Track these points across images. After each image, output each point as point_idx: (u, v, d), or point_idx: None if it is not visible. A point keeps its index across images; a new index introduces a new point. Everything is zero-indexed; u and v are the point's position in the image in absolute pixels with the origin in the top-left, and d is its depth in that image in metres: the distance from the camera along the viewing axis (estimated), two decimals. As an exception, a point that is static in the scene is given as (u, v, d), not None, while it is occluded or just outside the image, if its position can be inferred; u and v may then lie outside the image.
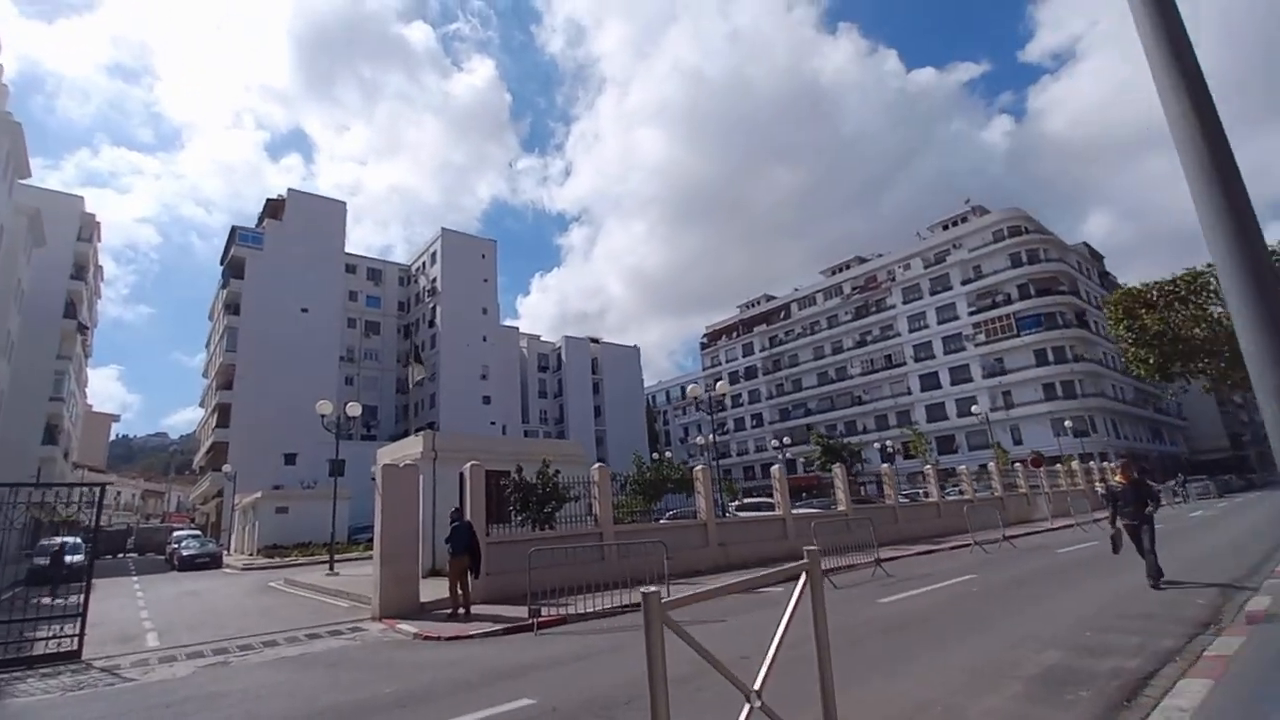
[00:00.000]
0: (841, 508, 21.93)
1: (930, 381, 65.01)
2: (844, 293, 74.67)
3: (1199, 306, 6.76)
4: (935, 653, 6.31)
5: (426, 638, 9.08)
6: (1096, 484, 37.31)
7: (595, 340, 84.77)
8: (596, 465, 15.06)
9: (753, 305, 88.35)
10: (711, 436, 27.01)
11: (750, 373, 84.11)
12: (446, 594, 10.67)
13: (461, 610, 10.46)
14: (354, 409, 20.51)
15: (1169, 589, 8.75)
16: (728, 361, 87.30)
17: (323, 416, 19.75)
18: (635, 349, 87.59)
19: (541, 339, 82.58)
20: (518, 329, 78.31)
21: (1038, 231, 61.17)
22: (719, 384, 23.51)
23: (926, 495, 27.90)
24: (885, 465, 24.91)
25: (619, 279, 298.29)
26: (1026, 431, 56.35)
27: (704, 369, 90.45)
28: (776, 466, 19.98)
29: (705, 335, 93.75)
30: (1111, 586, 9.44)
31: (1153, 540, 9.09)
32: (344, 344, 61.45)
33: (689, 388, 24.27)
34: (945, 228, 67.97)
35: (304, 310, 55.37)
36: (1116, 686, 4.86)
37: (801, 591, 3.41)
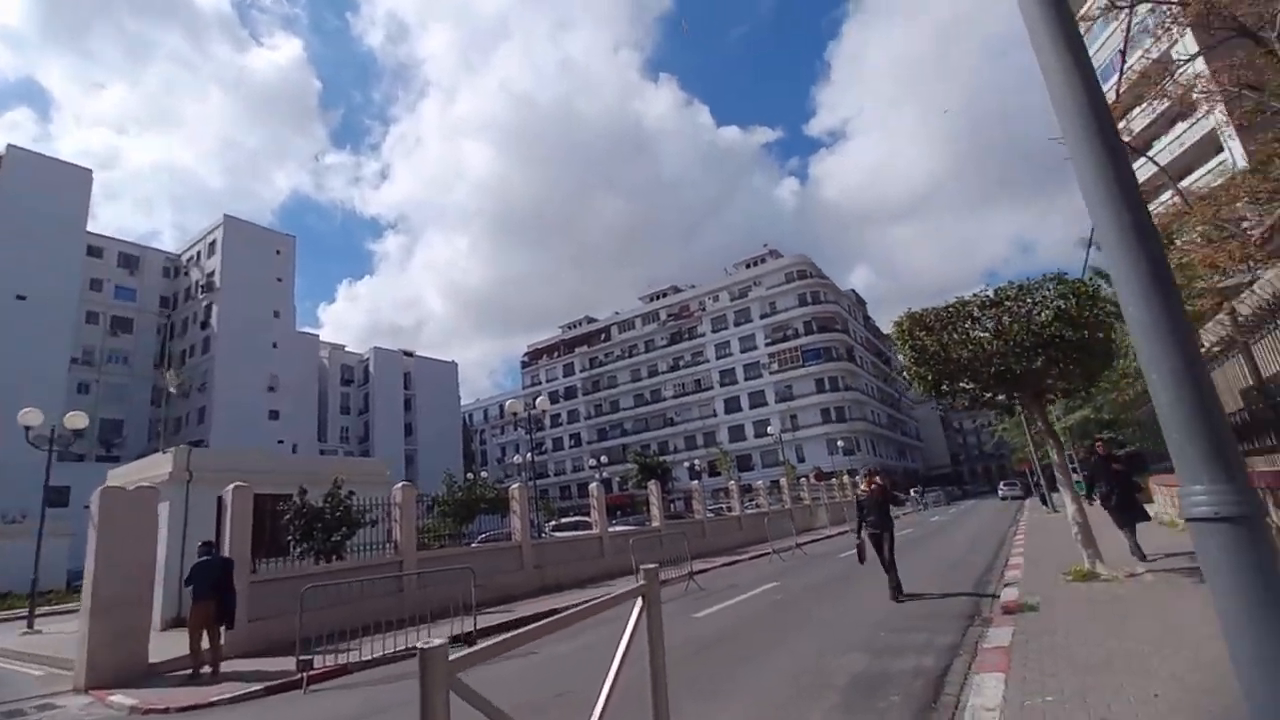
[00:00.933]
0: (656, 524, 22.15)
1: (733, 405, 70.10)
2: (660, 319, 78.09)
3: (964, 331, 7.70)
4: (752, 668, 6.09)
5: (149, 711, 6.95)
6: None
7: (409, 354, 78.55)
8: (400, 485, 13.33)
9: (575, 326, 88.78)
10: (530, 455, 25.96)
11: (570, 393, 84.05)
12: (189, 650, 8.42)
13: (206, 669, 8.30)
14: (77, 420, 16.04)
15: (909, 601, 9.67)
16: (548, 381, 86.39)
17: (27, 429, 15.17)
18: (453, 365, 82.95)
19: (347, 349, 74.60)
20: (318, 337, 70.01)
21: (819, 276, 69.56)
22: (538, 400, 22.63)
23: (730, 510, 29.52)
24: (695, 483, 25.82)
25: (439, 293, 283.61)
26: (808, 450, 62.90)
27: (524, 387, 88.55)
28: (595, 485, 19.57)
29: (526, 354, 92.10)
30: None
31: (892, 550, 9.00)
32: (80, 342, 49.74)
33: (508, 403, 23.04)
34: (748, 266, 74.44)
35: (20, 298, 43.91)
36: (921, 686, 4.93)
37: (639, 618, 2.78)
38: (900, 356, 8.62)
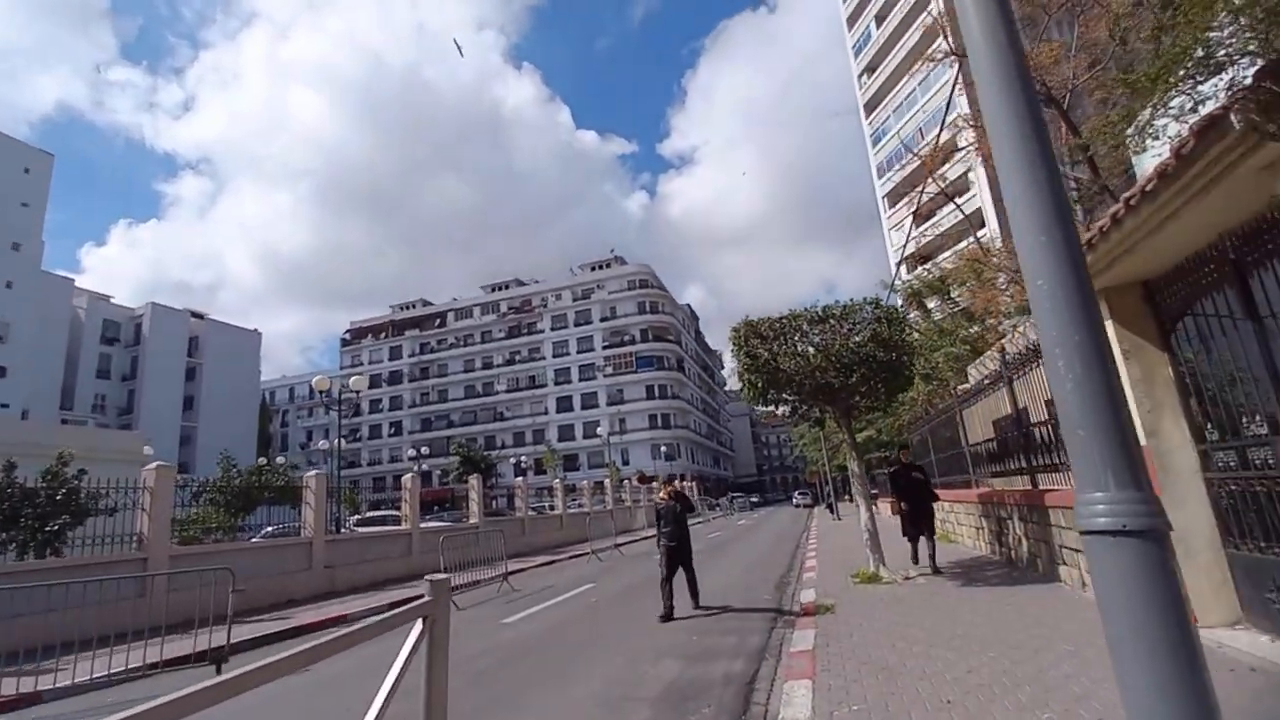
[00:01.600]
0: (474, 520, 20.92)
1: (565, 404, 69.77)
2: (500, 311, 75.55)
3: (793, 344, 8.06)
4: (561, 680, 5.57)
5: None
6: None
7: (199, 315, 67.23)
8: (153, 465, 10.88)
9: (408, 308, 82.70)
10: (338, 440, 23.15)
11: (395, 377, 78.00)
12: None
13: None
14: None
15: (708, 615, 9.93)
16: (371, 363, 79.32)
17: None
18: (255, 334, 72.66)
19: (114, 302, 61.99)
20: (73, 282, 57.20)
21: (659, 287, 72.06)
22: (353, 379, 20.27)
23: (552, 508, 29.01)
24: (519, 479, 24.90)
25: (247, 253, 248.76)
26: (634, 454, 64.53)
27: (342, 367, 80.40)
28: (409, 476, 17.88)
29: (349, 331, 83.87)
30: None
31: (691, 564, 8.38)
32: None
33: (315, 379, 20.34)
34: (593, 269, 74.86)
35: None
36: (732, 694, 4.75)
37: (416, 644, 2.10)
38: (733, 361, 8.74)
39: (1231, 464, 4.54)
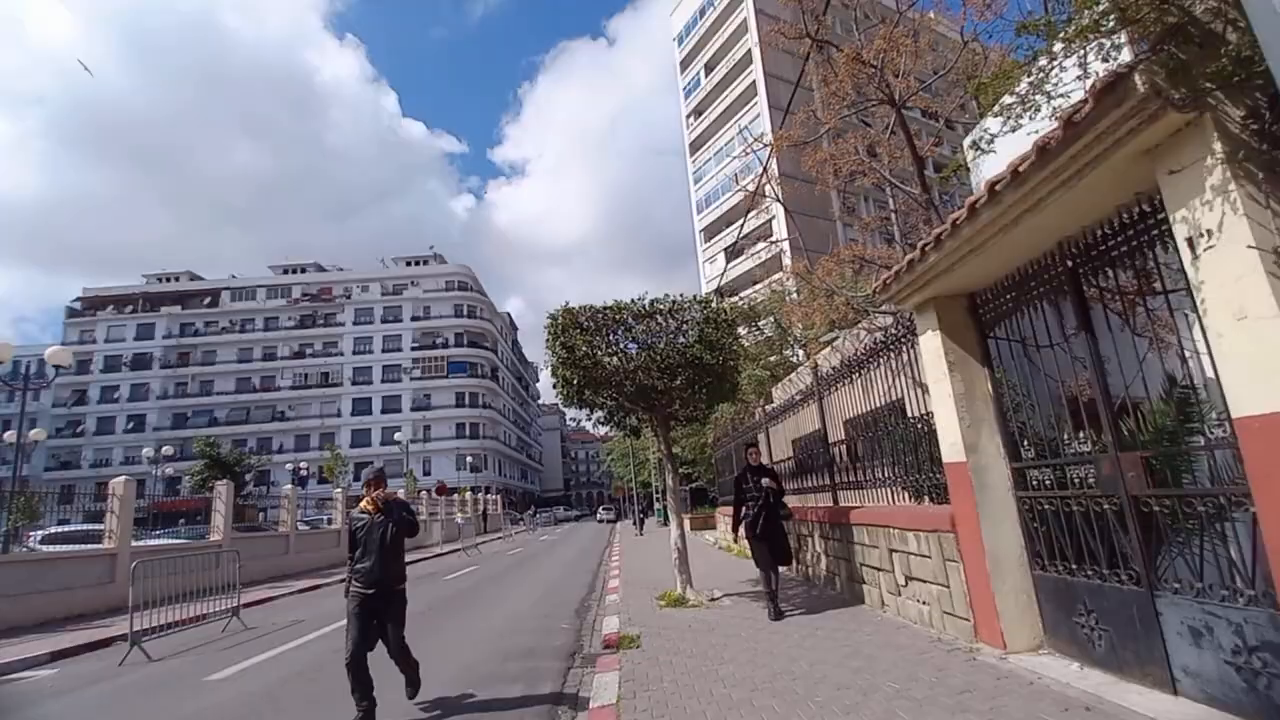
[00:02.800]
0: (216, 536, 16.86)
1: (363, 406, 62.70)
2: (293, 296, 66.01)
3: (615, 338, 7.17)
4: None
5: None
6: (479, 512, 41.95)
7: None
8: None
9: (169, 280, 68.62)
10: (19, 433, 17.21)
11: (142, 361, 63.75)
12: None
13: None
14: None
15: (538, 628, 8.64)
16: (110, 341, 64.13)
17: None
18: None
19: None
20: None
21: (478, 291, 68.58)
22: (50, 351, 15.26)
23: (331, 522, 25.02)
24: (288, 487, 20.90)
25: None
26: (437, 463, 59.85)
27: (65, 342, 63.76)
28: (120, 480, 13.65)
29: (81, 300, 67.00)
30: (491, 618, 8.88)
31: (400, 630, 5.08)
32: None
33: (49, 351, 15.14)
34: (408, 263, 69.02)
35: None
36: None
37: None
38: (548, 354, 7.52)
39: (1047, 482, 4.40)
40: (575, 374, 7.14)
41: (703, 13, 53.83)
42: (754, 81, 48.11)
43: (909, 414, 6.35)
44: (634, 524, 26.57)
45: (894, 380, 6.67)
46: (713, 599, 8.20)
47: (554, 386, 7.63)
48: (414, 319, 64.44)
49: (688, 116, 56.43)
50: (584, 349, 7.10)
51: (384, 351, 63.87)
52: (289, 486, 20.99)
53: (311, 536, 22.09)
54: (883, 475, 7.12)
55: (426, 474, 58.35)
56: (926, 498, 5.84)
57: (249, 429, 61.85)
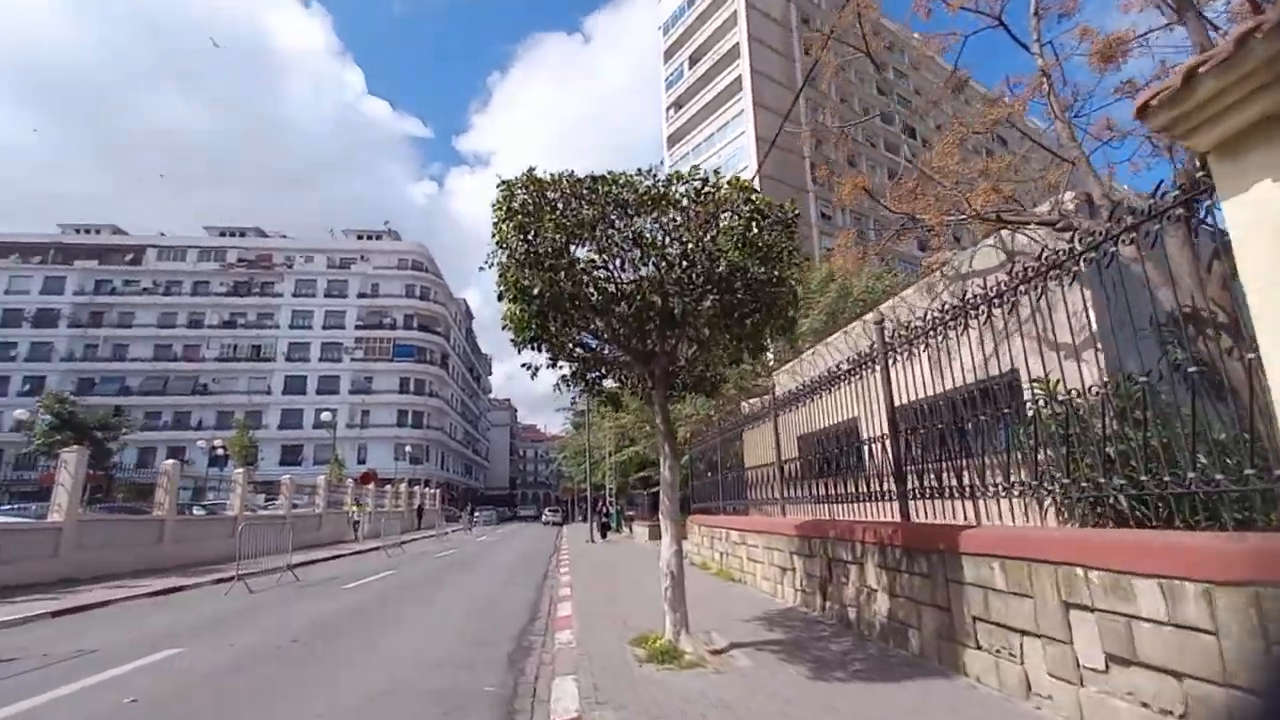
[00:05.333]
0: (57, 516, 13.21)
1: (296, 385, 57.56)
2: (227, 260, 60.33)
3: (607, 234, 4.42)
4: None
5: None
6: (413, 507, 38.18)
7: None
8: None
9: (88, 232, 61.86)
10: None
11: (47, 318, 56.85)
12: None
13: None
14: None
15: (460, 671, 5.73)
16: (11, 293, 57.00)
17: None
18: None
19: None
20: None
21: (434, 273, 64.37)
22: None
23: (227, 508, 21.27)
24: (169, 463, 17.12)
25: None
26: (372, 451, 55.37)
27: (-45, 291, 56.55)
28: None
29: (-22, 245, 59.52)
30: (374, 666, 5.91)
31: None
32: None
33: None
34: (360, 237, 64.36)
35: None
36: None
37: None
38: (493, 246, 4.65)
39: None
40: (538, 281, 4.34)
41: (691, 1, 51.75)
42: (739, 76, 46.23)
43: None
44: (593, 529, 23.52)
45: (1006, 340, 4.13)
46: (715, 649, 5.48)
47: (502, 302, 4.76)
48: (361, 296, 59.79)
49: (668, 109, 54.19)
50: (554, 241, 4.31)
51: (325, 328, 58.94)
52: (170, 462, 17.21)
53: (196, 524, 18.35)
54: (1000, 480, 4.58)
55: (361, 462, 53.69)
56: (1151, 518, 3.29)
57: (165, 400, 55.96)
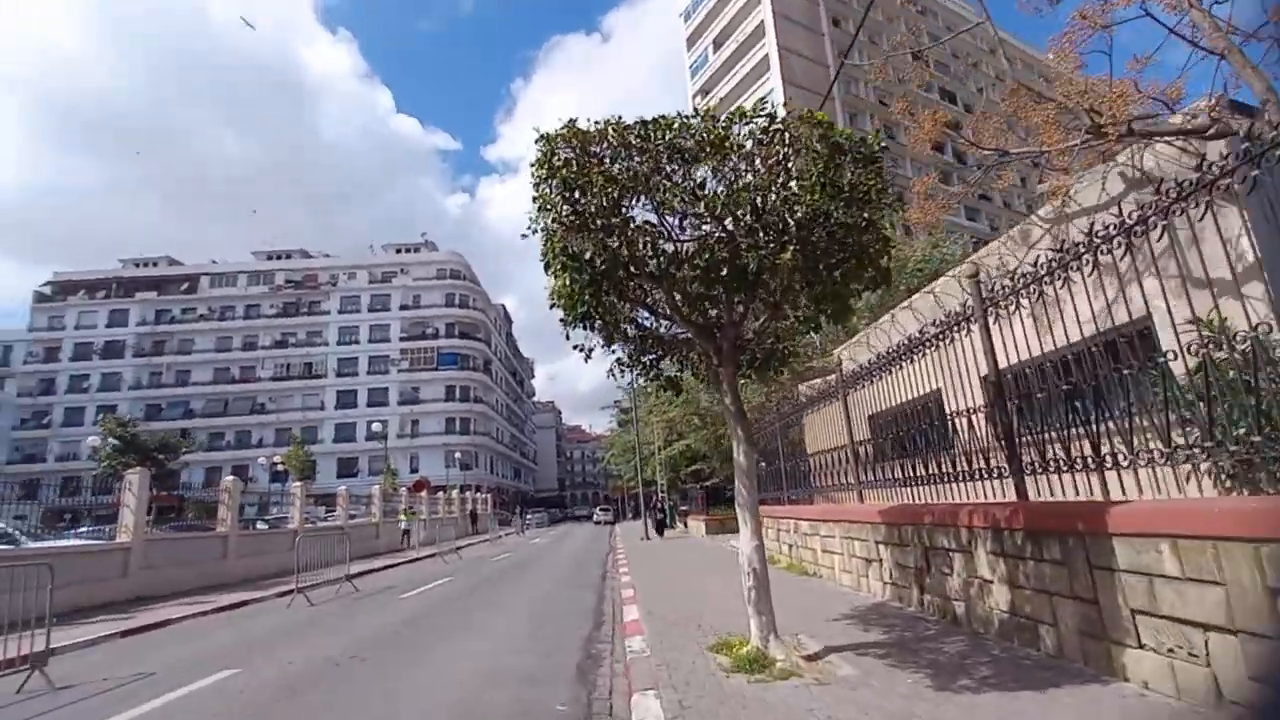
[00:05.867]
0: (124, 537, 13.48)
1: (348, 399, 59.08)
2: (276, 283, 62.31)
3: (667, 180, 3.81)
4: None
5: None
6: (466, 512, 38.51)
7: None
8: None
9: (146, 265, 64.89)
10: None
11: (114, 350, 59.92)
12: None
13: None
14: None
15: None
16: (81, 328, 60.32)
17: None
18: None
19: None
20: None
21: (472, 280, 65.03)
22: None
23: (288, 521, 21.67)
24: (229, 479, 17.43)
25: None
26: (424, 460, 56.29)
27: (32, 329, 60.14)
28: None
29: (51, 284, 63.20)
30: (439, 681, 5.50)
31: None
32: None
33: None
34: (398, 251, 65.55)
35: None
36: None
37: None
38: (535, 211, 4.11)
39: None
40: (588, 246, 3.78)
41: (711, -15, 50.68)
42: (766, 55, 44.95)
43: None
44: (649, 527, 23.01)
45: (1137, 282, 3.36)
46: (808, 655, 4.86)
47: (549, 275, 4.24)
48: (403, 308, 60.89)
49: (694, 96, 53.21)
50: (605, 198, 3.73)
51: (371, 342, 60.29)
52: (230, 479, 17.51)
53: (259, 538, 18.66)
54: (1156, 445, 3.81)
55: (414, 470, 54.67)
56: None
57: (226, 421, 58.20)
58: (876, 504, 7.34)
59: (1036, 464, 4.71)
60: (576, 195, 3.83)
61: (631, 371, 5.64)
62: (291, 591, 11.26)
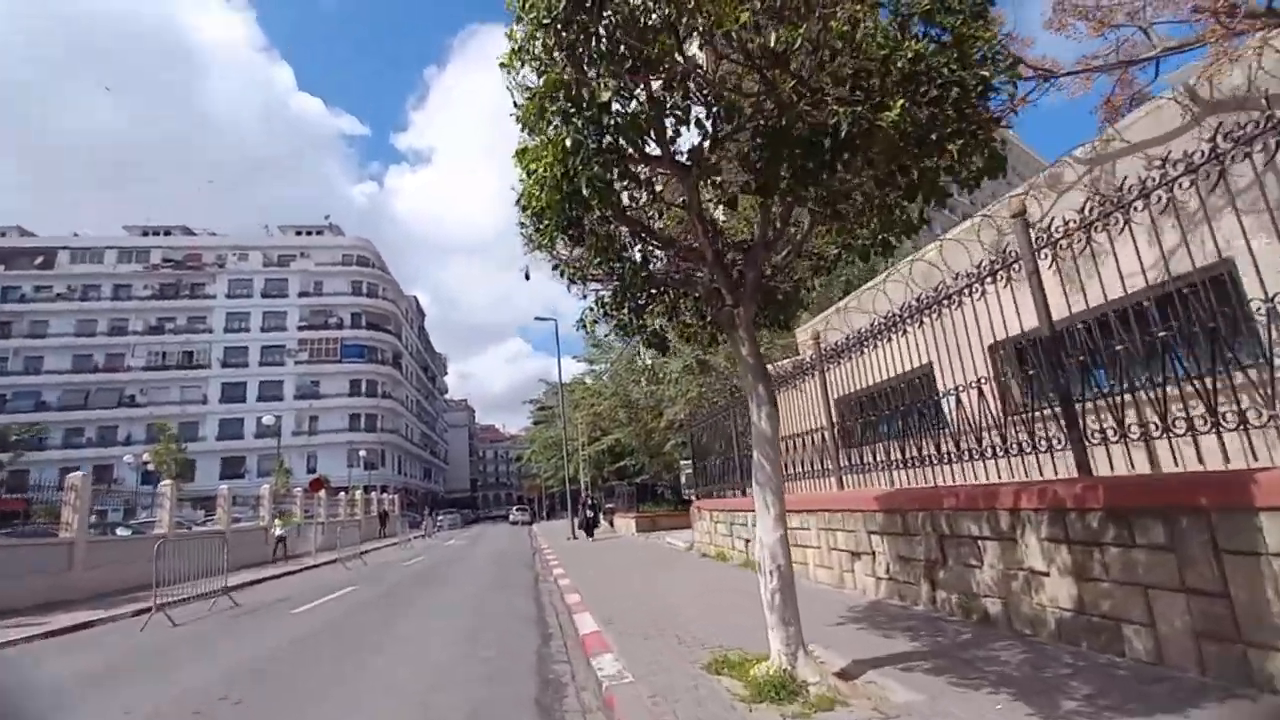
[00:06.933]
0: (-80, 548, 10.52)
1: (235, 393, 53.03)
2: (152, 261, 55.07)
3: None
4: None
5: None
6: (373, 513, 35.41)
7: None
8: None
9: (-12, 235, 55.44)
10: None
11: (-57, 331, 50.65)
12: None
13: None
14: None
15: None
16: (-101, 305, 50.49)
17: None
18: None
19: None
20: None
21: (381, 269, 60.60)
22: None
23: (156, 525, 18.48)
24: (76, 475, 14.33)
25: None
26: (323, 459, 51.60)
27: None
28: None
29: None
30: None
31: None
32: None
33: None
34: (298, 233, 60.04)
35: None
36: None
37: None
38: (518, 92, 2.81)
39: None
40: (605, 87, 2.48)
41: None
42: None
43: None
44: (575, 526, 21.46)
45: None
46: (839, 673, 3.81)
47: (519, 200, 2.91)
48: (303, 295, 55.60)
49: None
50: (634, 16, 2.44)
51: (264, 330, 54.51)
52: (76, 474, 14.43)
53: (116, 546, 15.63)
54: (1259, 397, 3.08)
55: (312, 470, 49.94)
56: None
57: (87, 415, 50.63)
58: (870, 490, 6.49)
59: (1111, 431, 3.92)
60: (591, 6, 2.51)
61: (611, 320, 4.39)
62: (150, 610, 9.01)
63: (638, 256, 4.03)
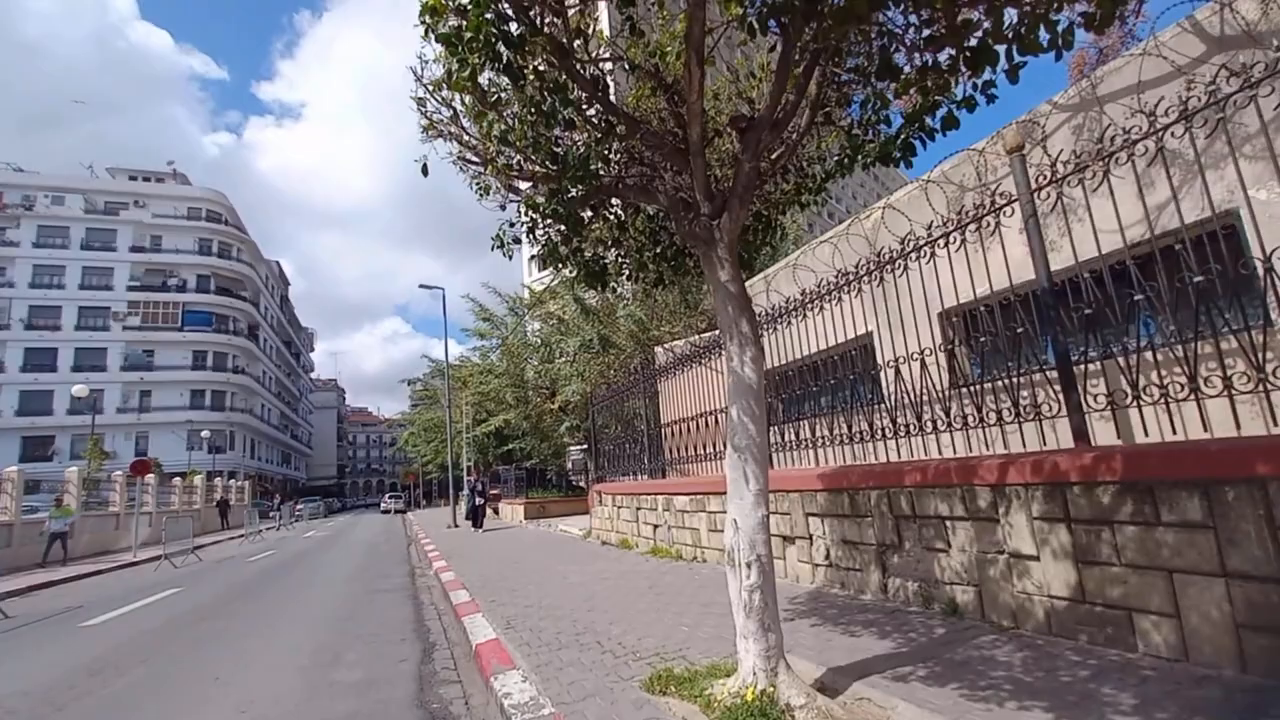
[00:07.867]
0: None
1: (43, 360, 44.17)
2: (-76, 196, 44.25)
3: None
4: None
5: None
6: (214, 502, 30.92)
7: None
8: None
9: None
10: None
11: None
12: None
13: None
14: None
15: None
16: None
17: None
18: None
19: None
20: None
21: (236, 227, 53.25)
22: None
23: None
24: None
25: None
26: (156, 440, 44.57)
27: None
28: None
29: None
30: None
31: None
32: None
33: None
34: (132, 178, 51.21)
35: None
36: None
37: None
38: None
39: None
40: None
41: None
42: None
43: None
44: (455, 513, 19.58)
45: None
46: (822, 686, 3.00)
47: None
48: (136, 250, 47.40)
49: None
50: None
51: (84, 289, 45.82)
52: None
53: None
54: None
55: (142, 453, 42.84)
56: None
57: None
58: (808, 469, 5.84)
59: (1118, 396, 3.42)
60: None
61: (540, 235, 3.25)
62: None
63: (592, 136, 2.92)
